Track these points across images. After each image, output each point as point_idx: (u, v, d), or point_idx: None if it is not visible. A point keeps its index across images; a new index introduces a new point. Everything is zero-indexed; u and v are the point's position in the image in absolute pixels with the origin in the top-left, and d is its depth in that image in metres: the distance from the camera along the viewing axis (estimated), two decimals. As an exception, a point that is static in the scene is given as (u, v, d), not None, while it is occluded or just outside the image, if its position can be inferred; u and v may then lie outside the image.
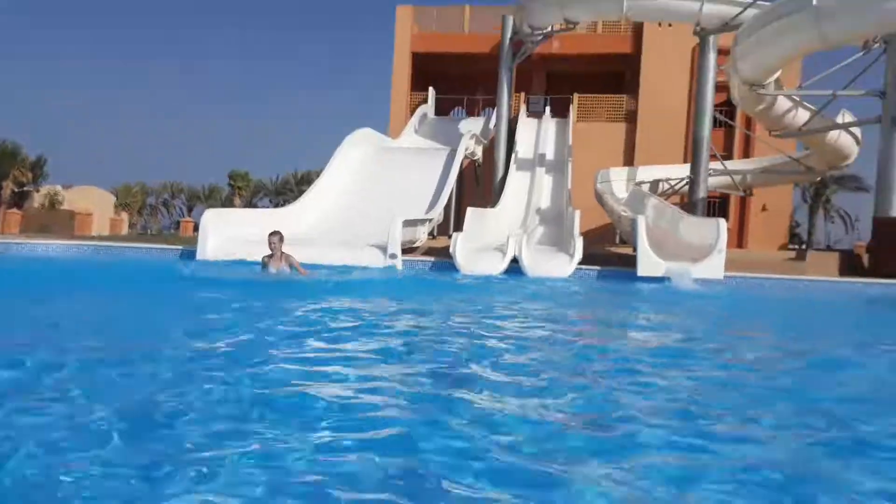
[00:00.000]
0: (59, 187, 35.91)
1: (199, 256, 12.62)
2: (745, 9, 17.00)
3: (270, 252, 9.47)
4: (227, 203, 47.92)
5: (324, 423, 3.01)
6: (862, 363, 5.40)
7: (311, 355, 4.60)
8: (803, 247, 39.27)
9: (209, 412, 3.09)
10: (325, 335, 5.47)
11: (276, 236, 9.44)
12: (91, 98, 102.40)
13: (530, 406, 3.55)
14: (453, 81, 32.09)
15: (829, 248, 40.19)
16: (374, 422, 3.05)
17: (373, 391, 3.67)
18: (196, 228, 15.99)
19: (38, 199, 33.21)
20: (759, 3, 16.65)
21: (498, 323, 6.79)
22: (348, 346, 5.10)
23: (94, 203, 33.46)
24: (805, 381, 4.76)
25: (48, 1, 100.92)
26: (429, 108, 28.64)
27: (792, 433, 3.34)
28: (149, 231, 39.63)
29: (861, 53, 17.06)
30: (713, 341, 6.49)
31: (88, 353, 4.32)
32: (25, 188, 32.23)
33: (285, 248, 9.56)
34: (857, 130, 19.83)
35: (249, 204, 48.27)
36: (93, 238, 19.14)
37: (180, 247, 14.16)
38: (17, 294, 7.45)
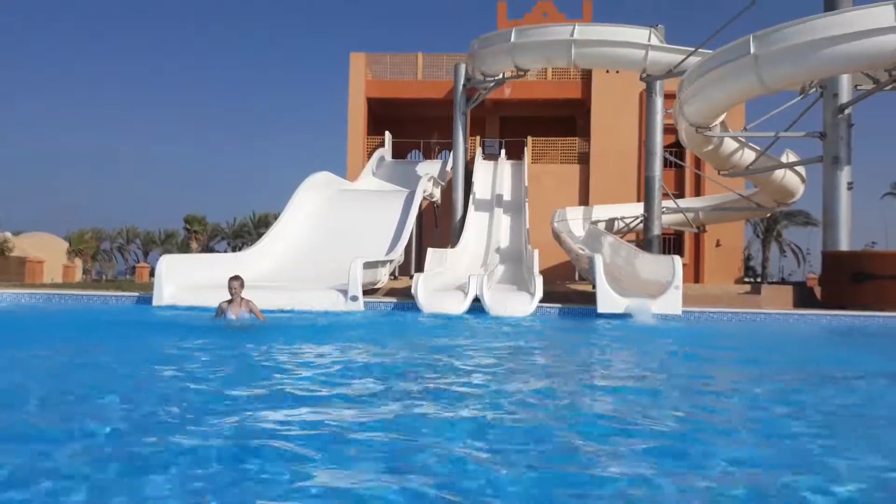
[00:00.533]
0: (8, 234, 34.90)
1: (155, 303, 12.37)
2: (688, 56, 17.75)
3: (230, 297, 9.16)
4: (184, 247, 47.16)
5: (292, 472, 2.99)
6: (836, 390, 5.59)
7: (278, 403, 4.53)
8: (758, 280, 40.35)
9: (174, 466, 3.03)
10: (290, 381, 5.41)
11: (237, 281, 9.16)
12: (41, 142, 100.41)
13: (495, 445, 3.58)
14: (409, 125, 32.55)
15: (783, 281, 41.37)
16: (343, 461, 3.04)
17: (340, 434, 3.66)
18: (152, 274, 15.69)
19: (-15, 247, 32.21)
20: (700, 51, 17.40)
21: (466, 362, 6.81)
22: (316, 389, 5.06)
23: (46, 250, 32.60)
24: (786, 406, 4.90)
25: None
26: (386, 151, 28.94)
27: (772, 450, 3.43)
28: (103, 277, 38.68)
29: (799, 97, 17.90)
30: (682, 374, 6.62)
31: (42, 413, 4.23)
32: (-28, 236, 31.29)
33: (245, 293, 9.27)
34: (801, 169, 20.65)
35: (206, 248, 47.59)
36: (45, 286, 18.61)
37: (136, 293, 13.88)
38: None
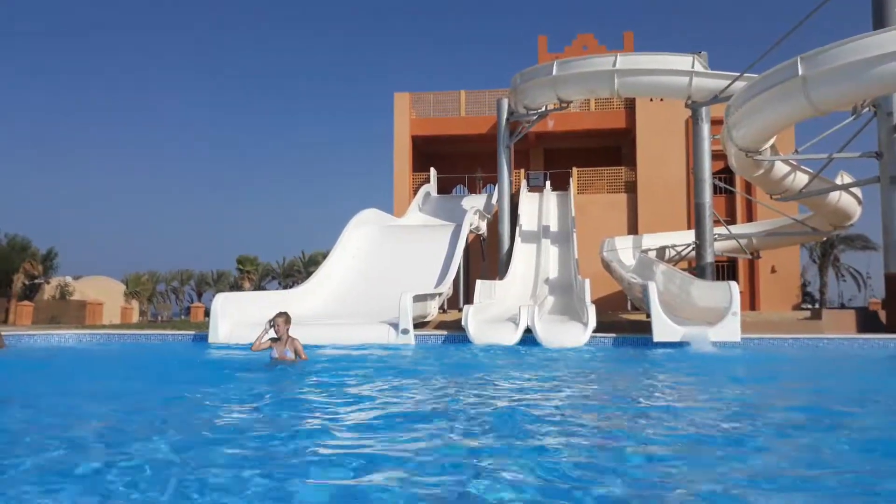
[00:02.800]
0: (69, 278, 36.23)
1: (211, 340, 12.62)
2: (734, 81, 17.57)
3: (276, 335, 8.75)
4: (236, 287, 48.20)
5: None
6: None
7: (338, 440, 4.53)
8: (816, 306, 39.09)
9: None
10: (348, 417, 5.44)
11: (281, 317, 8.74)
12: (97, 189, 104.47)
13: (567, 478, 3.54)
14: (453, 161, 32.89)
15: (843, 307, 40.02)
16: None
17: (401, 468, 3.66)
18: (207, 313, 16.04)
19: (48, 291, 33.46)
20: (746, 75, 17.21)
21: (529, 395, 6.74)
22: (374, 423, 5.06)
23: (104, 293, 33.69)
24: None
25: (43, 86, 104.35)
26: (431, 187, 29.26)
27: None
28: (159, 318, 39.69)
29: (852, 118, 17.51)
30: (757, 403, 6.43)
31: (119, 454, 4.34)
32: (36, 280, 32.56)
33: (295, 330, 8.98)
34: (857, 190, 20.09)
35: (258, 287, 48.48)
36: (104, 327, 19.19)
37: (192, 332, 14.19)
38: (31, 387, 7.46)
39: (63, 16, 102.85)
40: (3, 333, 12.34)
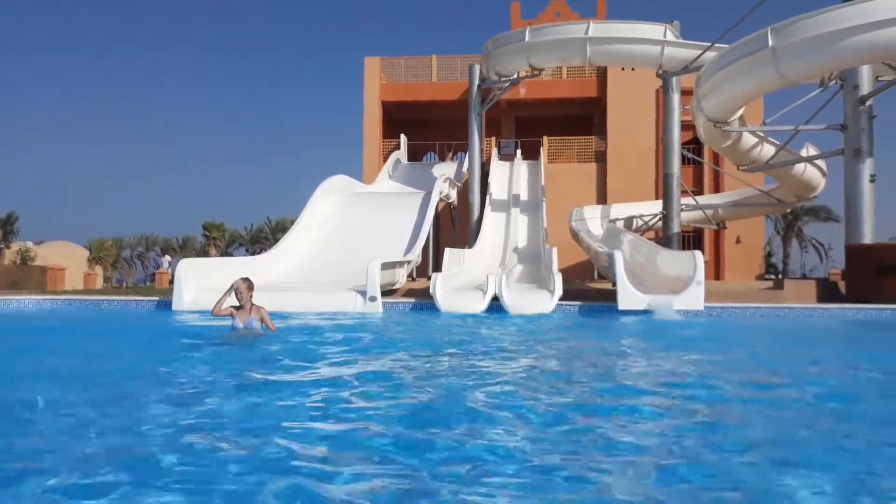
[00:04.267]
0: (30, 244, 35.39)
1: (175, 307, 12.43)
2: (704, 52, 17.59)
3: (238, 303, 7.97)
4: (203, 254, 47.53)
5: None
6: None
7: (304, 410, 4.46)
8: (780, 276, 39.91)
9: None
10: (315, 387, 5.38)
11: (244, 283, 7.95)
12: (60, 152, 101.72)
13: (527, 439, 3.53)
14: (424, 128, 32.58)
15: (804, 277, 40.90)
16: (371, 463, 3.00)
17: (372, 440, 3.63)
18: (172, 280, 15.78)
19: (8, 256, 32.65)
20: (717, 45, 17.23)
21: (496, 360, 6.75)
22: (341, 393, 5.02)
23: (67, 258, 33.01)
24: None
25: (9, 54, 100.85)
26: (401, 154, 28.98)
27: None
28: (124, 284, 39.07)
29: (819, 90, 17.65)
30: (717, 367, 6.54)
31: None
32: (-5, 246, 31.77)
33: (261, 296, 8.33)
34: (822, 162, 20.37)
35: (225, 254, 47.89)
36: (66, 292, 18.79)
37: (156, 298, 13.96)
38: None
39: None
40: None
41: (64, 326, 11.18)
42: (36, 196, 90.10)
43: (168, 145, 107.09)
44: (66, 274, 29.98)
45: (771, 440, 3.63)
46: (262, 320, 7.98)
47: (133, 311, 13.46)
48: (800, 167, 19.91)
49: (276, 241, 22.12)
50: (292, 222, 20.28)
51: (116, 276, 42.38)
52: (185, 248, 57.31)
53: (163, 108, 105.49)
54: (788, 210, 32.82)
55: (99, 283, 33.64)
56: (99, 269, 36.10)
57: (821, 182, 21.05)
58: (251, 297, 8.03)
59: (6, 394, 4.80)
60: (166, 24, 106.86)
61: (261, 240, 56.18)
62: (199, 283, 12.88)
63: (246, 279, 8.01)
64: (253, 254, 52.32)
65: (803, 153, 19.76)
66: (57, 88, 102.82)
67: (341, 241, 17.95)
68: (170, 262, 25.64)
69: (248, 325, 7.88)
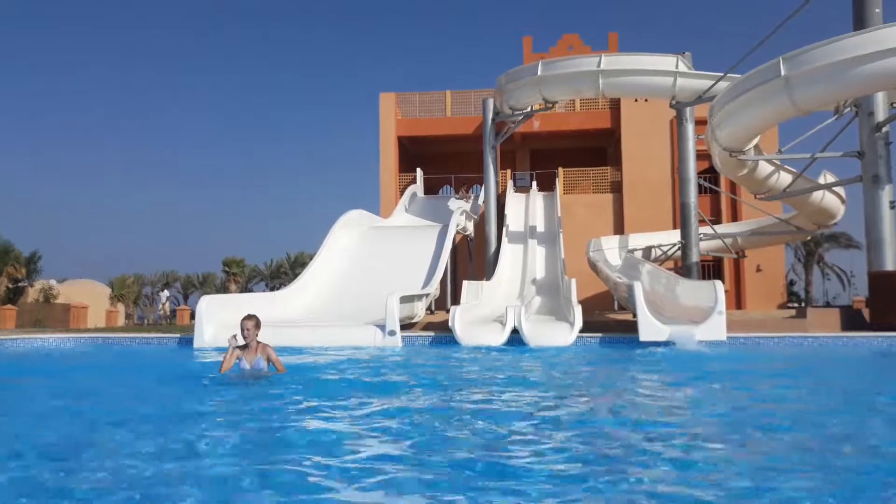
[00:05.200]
0: (53, 282, 35.89)
1: (196, 344, 12.51)
2: (717, 81, 17.67)
3: (244, 342, 7.36)
4: (223, 290, 47.90)
5: None
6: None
7: (325, 446, 4.49)
8: (802, 305, 39.45)
9: None
10: (339, 422, 5.39)
11: (251, 321, 7.35)
12: (81, 192, 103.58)
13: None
14: (439, 161, 32.89)
15: (828, 305, 40.42)
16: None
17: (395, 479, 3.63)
18: (193, 316, 15.91)
19: (32, 295, 33.12)
20: (730, 75, 17.32)
21: (515, 394, 6.73)
22: (361, 429, 5.02)
23: (89, 296, 33.41)
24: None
25: (29, 91, 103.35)
26: (417, 187, 29.25)
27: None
28: (145, 321, 39.40)
29: (834, 118, 17.64)
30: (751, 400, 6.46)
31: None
32: (20, 284, 32.24)
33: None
34: (840, 189, 20.26)
35: (245, 290, 48.23)
36: (89, 330, 19.00)
37: (178, 335, 14.08)
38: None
39: (51, 10, 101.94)
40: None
41: (88, 365, 11.28)
42: (57, 235, 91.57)
43: (187, 182, 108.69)
44: (89, 312, 30.31)
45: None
46: (268, 359, 7.47)
47: (154, 349, 13.53)
48: (818, 195, 19.81)
49: (296, 275, 22.33)
50: (311, 257, 20.45)
51: (138, 313, 42.75)
52: (205, 284, 57.87)
53: (180, 143, 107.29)
54: (808, 237, 32.56)
55: (121, 321, 33.95)
56: (121, 307, 36.47)
57: (840, 209, 20.92)
58: (257, 334, 7.46)
59: (30, 431, 4.87)
60: (189, 56, 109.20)
61: (280, 275, 56.62)
62: (220, 320, 12.96)
63: (253, 316, 7.43)
64: (273, 289, 52.64)
65: (821, 180, 19.67)
66: (78, 130, 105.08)
67: (360, 275, 18.06)
68: (167, 298, 25.64)
69: (256, 366, 7.33)
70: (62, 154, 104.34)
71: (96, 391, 7.45)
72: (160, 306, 26.29)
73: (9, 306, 26.97)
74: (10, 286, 31.39)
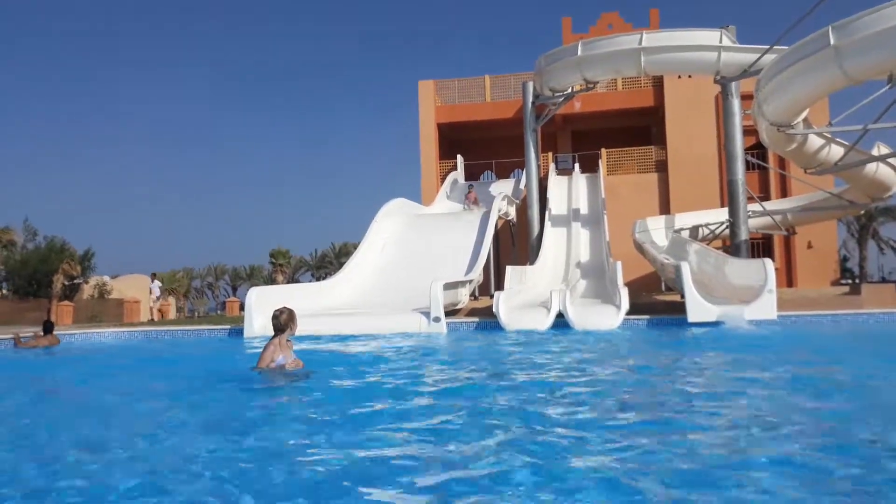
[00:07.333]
0: (106, 278, 36.96)
1: (246, 335, 12.78)
2: (763, 54, 17.17)
3: (283, 331, 6.81)
4: (270, 281, 48.73)
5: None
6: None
7: (372, 432, 4.54)
8: (856, 281, 38.30)
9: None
10: (386, 410, 5.44)
11: (285, 315, 6.82)
12: (131, 189, 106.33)
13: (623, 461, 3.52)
14: (480, 147, 32.75)
15: (884, 281, 39.17)
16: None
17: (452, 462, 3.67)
18: (242, 308, 16.25)
19: (87, 291, 34.21)
20: (776, 48, 16.80)
21: (565, 379, 6.70)
22: (412, 419, 5.04)
23: (140, 290, 34.33)
24: None
25: (80, 97, 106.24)
26: (458, 174, 29.21)
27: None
28: (196, 314, 40.39)
29: (888, 87, 16.96)
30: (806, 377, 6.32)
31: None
32: (75, 281, 33.31)
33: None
34: (895, 160, 19.52)
35: (292, 280, 49.02)
36: (142, 324, 19.58)
37: (228, 326, 14.40)
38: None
39: (89, 15, 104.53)
40: (56, 333, 12.95)
41: (146, 359, 11.61)
42: (109, 232, 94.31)
43: (233, 176, 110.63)
44: (141, 306, 31.19)
45: None
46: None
47: (206, 339, 13.89)
48: (871, 167, 19.13)
49: (341, 265, 22.59)
50: (355, 247, 20.66)
51: (189, 306, 43.83)
52: (252, 276, 58.96)
53: (225, 138, 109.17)
54: (862, 211, 31.50)
55: (172, 314, 34.83)
56: (171, 300, 37.40)
57: (895, 181, 20.17)
58: (293, 330, 6.96)
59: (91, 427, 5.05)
60: (228, 51, 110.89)
61: (326, 265, 57.37)
62: (269, 311, 13.17)
63: (285, 309, 6.91)
64: (319, 279, 53.37)
65: (874, 152, 18.98)
66: (131, 133, 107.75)
67: (403, 263, 18.17)
68: (160, 287, 25.17)
69: (278, 363, 6.71)
70: (109, 153, 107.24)
71: (163, 376, 7.70)
72: (151, 299, 24.64)
73: (66, 303, 27.93)
74: (67, 283, 32.44)
